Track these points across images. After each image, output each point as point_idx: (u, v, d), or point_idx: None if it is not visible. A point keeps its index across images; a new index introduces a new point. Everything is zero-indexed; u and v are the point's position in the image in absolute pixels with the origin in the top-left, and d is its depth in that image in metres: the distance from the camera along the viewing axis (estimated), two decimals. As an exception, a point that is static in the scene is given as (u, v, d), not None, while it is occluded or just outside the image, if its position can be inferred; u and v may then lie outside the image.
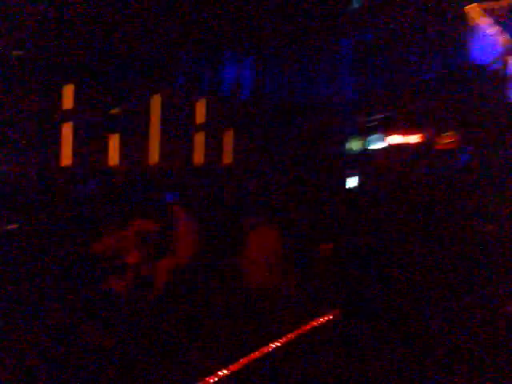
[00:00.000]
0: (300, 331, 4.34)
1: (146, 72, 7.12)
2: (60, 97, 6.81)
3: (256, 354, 3.85)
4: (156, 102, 7.14)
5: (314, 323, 4.66)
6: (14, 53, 6.97)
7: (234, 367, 3.60)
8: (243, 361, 3.70)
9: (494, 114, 8.53)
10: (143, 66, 7.20)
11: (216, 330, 4.76)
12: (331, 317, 4.79)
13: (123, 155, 6.72)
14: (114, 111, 6.91)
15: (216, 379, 3.40)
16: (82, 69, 6.91)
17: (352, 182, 8.19)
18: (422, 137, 8.95)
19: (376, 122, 9.01)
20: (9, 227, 5.62)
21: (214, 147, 7.51)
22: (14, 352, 3.77)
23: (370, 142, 9.12)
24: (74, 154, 6.56)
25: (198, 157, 7.32)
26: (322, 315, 4.69)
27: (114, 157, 6.70)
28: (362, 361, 4.33)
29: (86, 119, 6.77)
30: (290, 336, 4.29)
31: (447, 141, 8.74)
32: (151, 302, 5.15)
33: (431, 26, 8.78)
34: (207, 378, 3.37)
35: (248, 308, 5.21)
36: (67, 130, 6.72)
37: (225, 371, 3.49)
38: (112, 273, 5.23)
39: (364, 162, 8.68)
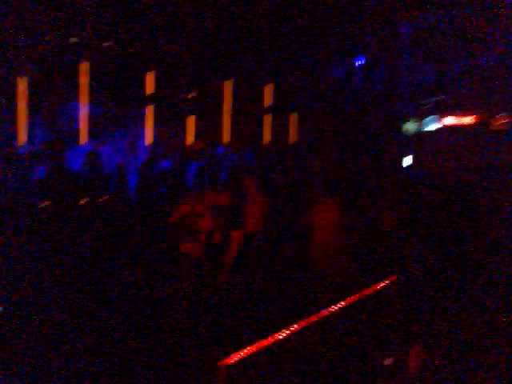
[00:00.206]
0: (363, 294, 4.65)
1: (219, 59, 7.85)
2: (143, 83, 7.67)
3: (324, 313, 4.13)
4: (228, 87, 7.89)
5: (376, 287, 4.92)
6: (104, 44, 7.85)
7: (303, 323, 3.84)
8: (313, 317, 4.00)
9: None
10: (217, 55, 7.93)
11: (284, 292, 5.36)
12: (391, 281, 5.07)
13: (199, 135, 7.49)
14: (191, 95, 7.71)
15: (287, 333, 3.62)
16: (162, 57, 7.71)
17: (408, 162, 8.70)
18: (476, 118, 9.30)
19: (431, 104, 9.41)
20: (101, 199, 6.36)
21: (280, 128, 8.20)
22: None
23: (426, 124, 9.53)
24: (156, 134, 7.40)
25: (266, 137, 8.04)
26: (383, 280, 5.07)
27: (190, 136, 7.50)
28: (417, 319, 4.85)
29: (165, 103, 7.59)
30: (354, 298, 4.60)
31: (501, 122, 9.06)
32: (223, 265, 5.79)
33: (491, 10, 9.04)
34: (277, 333, 3.58)
35: (313, 273, 5.79)
36: (150, 113, 7.56)
37: (295, 326, 3.73)
38: (189, 238, 5.79)
39: (420, 142, 9.14)
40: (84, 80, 7.20)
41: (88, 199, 5.67)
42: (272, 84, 8.12)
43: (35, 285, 4.62)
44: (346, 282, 5.44)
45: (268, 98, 8.21)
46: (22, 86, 6.90)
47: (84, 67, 7.21)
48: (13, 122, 6.58)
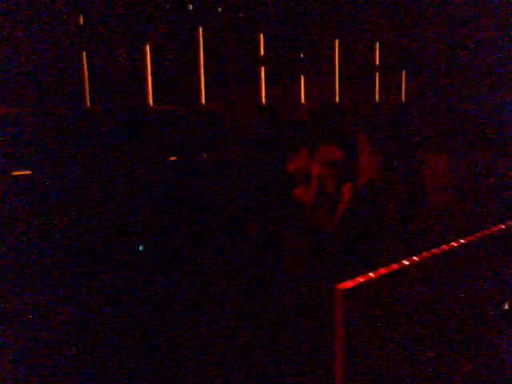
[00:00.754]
0: (478, 236, 4.81)
1: (329, 20, 7.98)
2: (256, 44, 7.97)
3: (444, 248, 4.28)
4: (337, 46, 8.02)
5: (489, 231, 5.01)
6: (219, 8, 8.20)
7: (423, 255, 4.00)
8: (433, 251, 4.20)
9: None
10: (327, 16, 8.05)
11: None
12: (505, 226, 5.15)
13: (310, 94, 7.72)
14: (302, 55, 7.92)
15: (406, 263, 3.77)
16: (273, 20, 7.96)
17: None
18: None
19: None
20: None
21: (389, 87, 8.24)
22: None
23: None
24: (269, 93, 7.70)
25: (376, 95, 8.12)
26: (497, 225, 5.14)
27: (302, 95, 7.74)
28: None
29: (277, 63, 7.87)
30: (470, 238, 4.70)
31: None
32: (334, 212, 6.08)
33: None
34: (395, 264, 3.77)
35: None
36: (262, 73, 7.86)
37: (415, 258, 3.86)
38: (302, 186, 6.13)
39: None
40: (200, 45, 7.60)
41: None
42: (381, 42, 8.17)
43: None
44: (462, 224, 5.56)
45: (377, 57, 8.26)
46: (147, 51, 7.41)
47: (200, 33, 7.60)
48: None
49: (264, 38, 8.01)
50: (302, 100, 7.78)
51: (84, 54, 7.00)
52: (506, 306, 4.97)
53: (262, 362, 4.07)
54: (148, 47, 7.33)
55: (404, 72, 8.57)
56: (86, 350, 4.07)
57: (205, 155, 6.95)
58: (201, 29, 7.59)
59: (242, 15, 8.19)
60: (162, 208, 5.89)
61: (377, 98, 8.15)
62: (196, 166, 6.73)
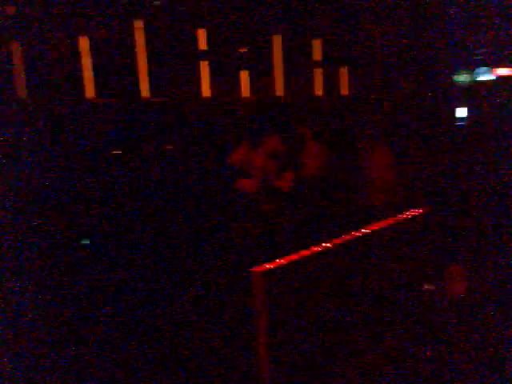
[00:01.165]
0: (397, 219, 4.95)
1: (271, 16, 8.02)
2: (196, 39, 7.91)
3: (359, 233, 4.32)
4: (277, 42, 8.06)
5: (409, 215, 5.21)
6: (155, 3, 8.11)
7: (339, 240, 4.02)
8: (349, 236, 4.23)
9: None
10: (266, 11, 8.09)
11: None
12: (422, 211, 5.40)
13: (253, 88, 7.72)
14: (243, 50, 7.93)
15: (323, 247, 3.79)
16: (213, 15, 7.94)
17: (461, 113, 8.73)
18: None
19: (483, 55, 9.39)
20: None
21: (331, 81, 8.35)
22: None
23: (477, 75, 9.51)
24: (212, 87, 7.65)
25: (317, 89, 8.20)
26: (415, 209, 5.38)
27: (245, 90, 7.73)
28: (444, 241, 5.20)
29: (219, 58, 7.83)
30: (388, 222, 4.81)
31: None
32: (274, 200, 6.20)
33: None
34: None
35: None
36: (204, 68, 7.81)
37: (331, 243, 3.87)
38: (247, 178, 6.20)
39: (472, 93, 9.15)
40: (139, 37, 7.48)
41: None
42: (322, 38, 8.26)
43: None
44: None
45: (318, 52, 8.35)
46: (85, 44, 7.23)
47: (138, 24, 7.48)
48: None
49: (205, 32, 7.97)
50: (245, 94, 7.78)
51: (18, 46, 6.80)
52: (426, 286, 5.17)
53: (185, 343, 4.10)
54: (86, 40, 7.17)
55: (347, 67, 8.72)
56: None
57: (148, 148, 6.85)
58: (141, 22, 7.49)
59: (182, 9, 8.12)
60: (105, 200, 5.78)
61: (320, 92, 8.24)
62: (139, 158, 6.61)
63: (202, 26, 7.98)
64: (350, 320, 3.76)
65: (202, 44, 8.03)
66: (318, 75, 8.21)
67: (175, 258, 5.15)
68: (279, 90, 7.95)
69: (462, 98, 8.90)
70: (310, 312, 3.33)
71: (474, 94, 9.22)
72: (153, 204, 6.01)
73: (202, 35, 8.06)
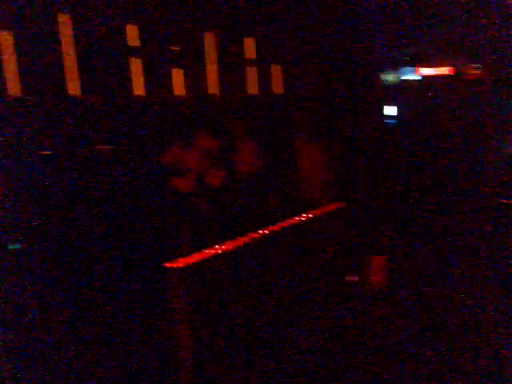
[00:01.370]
0: (315, 213, 5.15)
1: (203, 12, 7.97)
2: (126, 35, 7.73)
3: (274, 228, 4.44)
4: (210, 39, 8.04)
5: (325, 209, 5.46)
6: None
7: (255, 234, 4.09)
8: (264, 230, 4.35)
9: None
10: (198, 8, 8.04)
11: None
12: (338, 206, 5.67)
13: (186, 86, 7.65)
14: (175, 47, 7.83)
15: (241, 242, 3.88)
16: (145, 11, 7.78)
17: (389, 111, 9.09)
18: (451, 68, 9.68)
19: (408, 55, 9.76)
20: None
21: (264, 79, 8.42)
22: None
23: (403, 74, 9.88)
24: (144, 85, 7.52)
25: (250, 87, 8.24)
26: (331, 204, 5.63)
27: (177, 87, 7.65)
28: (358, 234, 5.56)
29: (150, 55, 7.70)
30: (305, 216, 4.99)
31: (474, 72, 9.47)
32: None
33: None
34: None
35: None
36: (135, 65, 7.66)
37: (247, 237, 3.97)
38: (179, 176, 6.25)
39: (398, 93, 9.52)
40: (65, 32, 7.24)
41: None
42: (255, 36, 8.30)
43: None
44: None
45: (251, 50, 8.38)
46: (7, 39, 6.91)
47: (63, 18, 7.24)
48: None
49: (137, 28, 7.81)
50: (178, 92, 7.70)
51: None
52: (349, 278, 5.40)
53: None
54: (7, 35, 6.85)
55: (281, 65, 8.82)
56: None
57: (78, 148, 6.68)
58: (67, 16, 7.23)
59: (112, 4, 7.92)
60: (37, 200, 5.64)
61: (253, 90, 8.28)
62: (70, 159, 6.46)
63: (133, 22, 7.83)
64: (268, 314, 3.82)
65: (134, 40, 7.87)
66: (252, 73, 8.25)
67: (99, 253, 5.11)
68: (212, 87, 7.92)
69: (390, 97, 9.24)
70: (226, 306, 3.38)
71: (401, 93, 9.59)
72: (83, 203, 5.89)
73: (133, 31, 7.90)
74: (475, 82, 9.39)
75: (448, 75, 9.75)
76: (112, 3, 7.72)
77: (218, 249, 3.50)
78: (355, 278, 5.52)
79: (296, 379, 3.81)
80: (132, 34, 7.88)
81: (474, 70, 9.57)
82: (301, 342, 4.17)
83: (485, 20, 8.82)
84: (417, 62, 9.63)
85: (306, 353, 4.11)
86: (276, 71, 8.71)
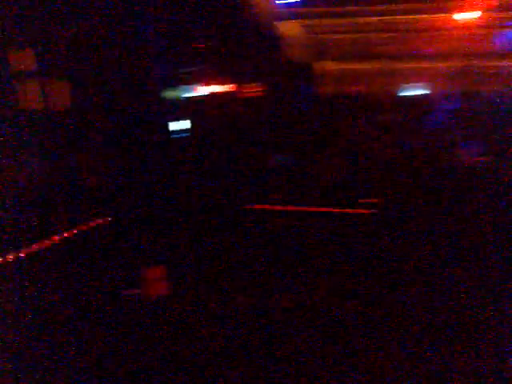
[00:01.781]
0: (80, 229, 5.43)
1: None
2: None
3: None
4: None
5: (90, 224, 5.74)
6: None
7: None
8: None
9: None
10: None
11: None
12: (102, 221, 5.99)
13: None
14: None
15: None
16: None
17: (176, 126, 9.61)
18: (231, 87, 10.52)
19: (190, 72, 10.36)
20: None
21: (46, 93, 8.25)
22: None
23: (185, 91, 10.46)
24: None
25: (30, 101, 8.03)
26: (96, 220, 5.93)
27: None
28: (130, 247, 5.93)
29: None
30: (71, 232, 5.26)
31: (252, 90, 10.45)
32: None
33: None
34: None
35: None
36: None
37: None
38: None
39: (182, 109, 10.06)
40: None
41: None
42: (31, 48, 8.07)
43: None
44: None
45: (31, 62, 8.13)
46: None
47: None
48: None
49: None
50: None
51: None
52: (126, 292, 5.66)
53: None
54: None
55: (65, 79, 8.69)
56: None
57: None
58: None
59: None
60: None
61: (33, 104, 8.04)
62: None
63: None
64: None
65: None
66: (31, 87, 8.01)
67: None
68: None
69: (175, 113, 9.73)
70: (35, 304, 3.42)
71: (184, 108, 10.13)
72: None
73: None
74: (253, 99, 10.33)
75: (230, 92, 10.56)
76: None
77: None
78: (135, 291, 5.65)
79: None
80: None
81: (253, 89, 10.54)
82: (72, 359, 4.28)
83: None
84: (197, 80, 10.28)
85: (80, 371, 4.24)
86: (60, 84, 8.59)
